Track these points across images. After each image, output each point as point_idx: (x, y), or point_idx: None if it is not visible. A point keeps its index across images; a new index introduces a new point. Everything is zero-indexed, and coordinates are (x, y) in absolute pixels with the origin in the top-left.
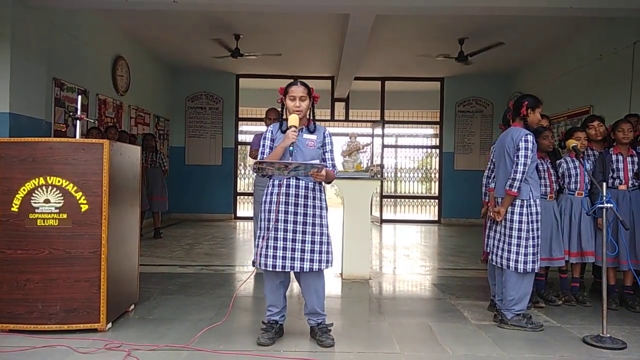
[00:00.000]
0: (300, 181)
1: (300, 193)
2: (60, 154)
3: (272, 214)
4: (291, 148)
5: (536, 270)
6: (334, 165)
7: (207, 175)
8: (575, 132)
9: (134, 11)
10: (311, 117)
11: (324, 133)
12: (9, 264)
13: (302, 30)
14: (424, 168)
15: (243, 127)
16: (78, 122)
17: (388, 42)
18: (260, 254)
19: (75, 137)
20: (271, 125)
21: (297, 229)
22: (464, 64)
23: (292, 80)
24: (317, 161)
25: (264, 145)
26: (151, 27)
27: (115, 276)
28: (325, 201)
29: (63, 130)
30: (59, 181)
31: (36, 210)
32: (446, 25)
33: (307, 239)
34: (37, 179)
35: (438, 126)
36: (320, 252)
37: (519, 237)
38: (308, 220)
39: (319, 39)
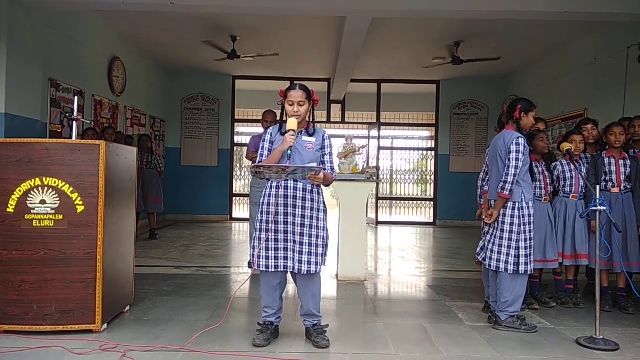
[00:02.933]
0: (298, 183)
1: (298, 195)
2: (57, 155)
3: (269, 216)
4: (289, 152)
5: (529, 272)
6: (332, 169)
7: (203, 176)
8: (571, 135)
9: (131, 12)
10: (311, 120)
11: (323, 136)
12: (4, 265)
13: (298, 32)
14: (420, 170)
15: (239, 128)
16: (74, 123)
17: (384, 44)
18: (258, 255)
19: (71, 138)
20: (271, 128)
21: (295, 230)
22: (454, 64)
23: (292, 84)
24: (315, 164)
25: (262, 148)
26: (148, 29)
27: (111, 277)
28: (324, 203)
29: (59, 131)
30: (55, 182)
31: (32, 211)
32: (442, 29)
33: (304, 240)
34: (33, 180)
35: (434, 128)
36: (317, 255)
37: (510, 239)
38: (305, 222)
39: (316, 41)
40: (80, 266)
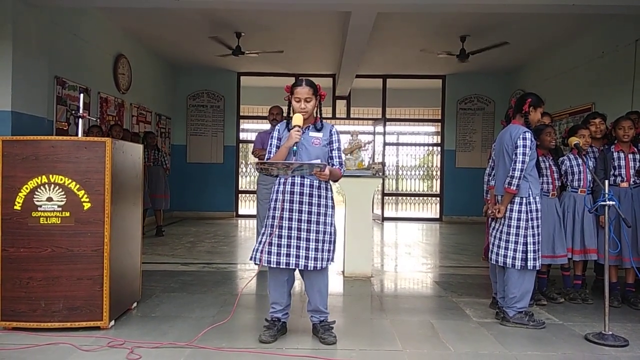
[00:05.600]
0: (306, 179)
1: (305, 191)
2: (63, 152)
3: (277, 212)
4: (295, 148)
5: (537, 268)
6: (340, 164)
7: (208, 173)
8: (578, 129)
9: (136, 9)
10: (318, 115)
11: (330, 131)
12: (12, 262)
13: (303, 28)
14: (426, 166)
15: (244, 125)
16: (80, 120)
17: (389, 39)
18: (265, 251)
19: (77, 135)
20: (278, 124)
21: (302, 227)
22: (461, 61)
23: (298, 79)
24: (320, 160)
25: (271, 144)
26: (152, 25)
27: (118, 274)
28: (332, 199)
29: (65, 128)
30: (61, 179)
31: (39, 209)
32: (448, 23)
33: (311, 237)
34: (39, 177)
35: (439, 124)
36: (324, 251)
37: (517, 235)
38: (312, 219)
39: (321, 36)
40: (87, 263)
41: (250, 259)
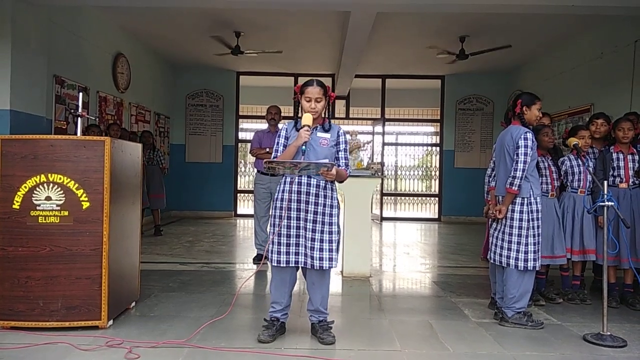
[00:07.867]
0: (312, 179)
1: (311, 191)
2: (62, 151)
3: (283, 211)
4: (303, 147)
5: (537, 268)
6: (347, 165)
7: (207, 172)
8: (579, 130)
9: (135, 8)
10: (326, 116)
11: (338, 132)
12: (10, 261)
13: (302, 27)
14: (424, 166)
15: (243, 124)
16: (79, 119)
17: (389, 39)
18: (271, 250)
19: (76, 134)
20: (286, 124)
21: (307, 226)
22: (457, 60)
23: (309, 79)
24: (327, 160)
25: (278, 143)
26: (152, 24)
27: (117, 273)
28: (337, 200)
29: (64, 127)
30: (60, 178)
31: (37, 208)
32: (447, 23)
33: (316, 237)
34: (38, 176)
35: (438, 124)
36: (330, 251)
37: (519, 235)
38: (318, 219)
39: (320, 36)
40: (86, 262)
41: (255, 261)
